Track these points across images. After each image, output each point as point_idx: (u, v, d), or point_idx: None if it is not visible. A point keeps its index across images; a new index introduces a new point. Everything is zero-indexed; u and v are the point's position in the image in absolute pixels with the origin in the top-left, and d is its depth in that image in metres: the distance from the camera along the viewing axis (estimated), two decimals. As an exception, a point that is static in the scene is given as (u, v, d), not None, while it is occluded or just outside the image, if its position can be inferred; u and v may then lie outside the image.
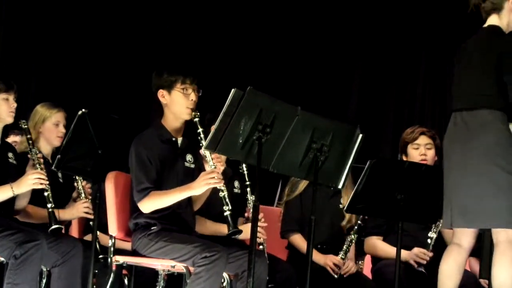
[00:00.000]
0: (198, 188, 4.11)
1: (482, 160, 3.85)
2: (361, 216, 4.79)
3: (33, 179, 4.36)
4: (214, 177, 4.06)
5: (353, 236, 4.82)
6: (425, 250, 4.72)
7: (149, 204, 4.15)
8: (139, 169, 4.17)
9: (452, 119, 4.04)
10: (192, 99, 4.25)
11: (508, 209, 3.83)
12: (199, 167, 4.36)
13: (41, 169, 4.42)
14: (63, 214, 4.75)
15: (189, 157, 4.36)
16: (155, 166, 4.19)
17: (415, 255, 4.71)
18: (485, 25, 4.06)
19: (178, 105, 4.26)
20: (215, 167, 4.10)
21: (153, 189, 4.15)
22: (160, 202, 4.15)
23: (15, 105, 4.57)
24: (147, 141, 4.24)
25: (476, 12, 4.11)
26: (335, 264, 4.77)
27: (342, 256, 4.79)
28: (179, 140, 4.35)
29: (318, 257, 4.81)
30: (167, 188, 4.20)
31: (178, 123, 4.33)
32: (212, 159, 4.11)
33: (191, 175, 4.31)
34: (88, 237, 4.90)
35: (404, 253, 4.65)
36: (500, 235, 3.87)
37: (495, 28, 4.01)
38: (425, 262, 4.70)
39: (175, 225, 4.21)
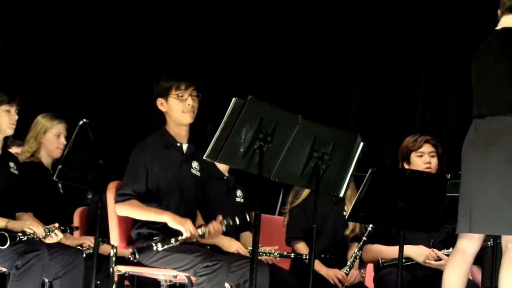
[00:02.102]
0: (174, 224, 4.11)
1: (502, 166, 3.81)
2: (367, 232, 4.76)
3: (29, 228, 4.37)
4: (191, 235, 4.08)
5: (358, 252, 4.80)
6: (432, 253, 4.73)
7: (125, 210, 4.20)
8: (129, 174, 4.21)
9: (473, 125, 3.99)
10: (189, 104, 4.26)
11: None
12: (205, 176, 4.38)
13: (47, 231, 4.42)
14: (65, 240, 4.73)
15: (195, 164, 4.36)
16: (154, 174, 4.19)
17: (426, 256, 4.71)
18: (499, 26, 4.02)
19: (175, 111, 4.29)
20: (202, 236, 4.13)
21: (135, 198, 4.17)
22: (135, 213, 4.19)
23: (16, 117, 4.57)
24: (149, 147, 4.25)
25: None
26: (338, 279, 4.76)
27: (346, 271, 4.77)
28: (184, 146, 4.35)
29: (323, 270, 4.79)
30: (168, 192, 4.21)
31: (181, 129, 4.34)
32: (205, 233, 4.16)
33: (197, 183, 4.33)
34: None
35: (413, 252, 4.68)
36: (510, 242, 3.84)
37: (510, 31, 3.99)
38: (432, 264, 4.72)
39: (177, 234, 4.21)
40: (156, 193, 4.22)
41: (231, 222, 4.23)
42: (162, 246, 4.04)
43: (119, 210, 4.21)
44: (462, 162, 4.03)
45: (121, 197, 4.19)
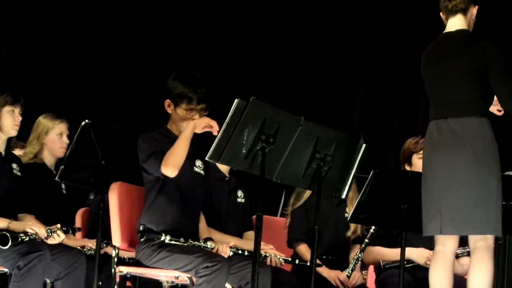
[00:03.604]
0: (198, 124, 4.07)
1: (471, 167, 3.87)
2: (369, 234, 4.76)
3: (31, 228, 4.37)
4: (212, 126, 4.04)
5: (360, 254, 4.80)
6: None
7: (166, 161, 4.05)
8: (145, 145, 4.13)
9: (433, 127, 4.04)
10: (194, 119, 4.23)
11: (497, 216, 3.87)
12: (209, 176, 4.40)
13: (49, 231, 4.42)
14: (67, 241, 4.74)
15: (198, 163, 4.34)
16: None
17: (427, 258, 4.70)
18: (452, 29, 4.07)
19: (180, 121, 4.25)
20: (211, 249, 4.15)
21: (160, 153, 4.08)
22: (174, 154, 4.05)
23: (20, 118, 4.56)
24: (155, 136, 4.23)
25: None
26: (340, 280, 4.76)
27: (348, 273, 4.77)
28: None
29: (325, 271, 4.79)
30: (172, 189, 4.19)
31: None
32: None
33: (199, 182, 4.32)
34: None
35: (414, 254, 4.68)
36: (478, 241, 3.91)
37: (469, 33, 4.05)
38: None
39: (180, 236, 4.21)
40: (159, 190, 4.21)
41: (240, 251, 4.28)
42: (170, 240, 4.06)
43: (164, 169, 4.04)
44: (424, 163, 4.07)
45: (153, 161, 4.07)
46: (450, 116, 3.97)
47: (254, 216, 4.02)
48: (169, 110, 4.28)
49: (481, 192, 3.86)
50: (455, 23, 4.07)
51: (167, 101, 4.26)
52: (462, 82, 3.97)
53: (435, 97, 4.07)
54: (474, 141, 3.89)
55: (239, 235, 4.68)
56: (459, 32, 4.05)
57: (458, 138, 3.91)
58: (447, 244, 4.02)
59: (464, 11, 4.06)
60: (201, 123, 4.09)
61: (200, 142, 4.36)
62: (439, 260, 4.03)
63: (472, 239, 3.95)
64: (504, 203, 4.00)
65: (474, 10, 4.09)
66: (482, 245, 3.89)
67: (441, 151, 3.96)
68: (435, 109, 4.06)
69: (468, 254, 4.69)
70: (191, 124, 4.10)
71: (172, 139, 4.24)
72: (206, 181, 4.41)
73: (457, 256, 4.70)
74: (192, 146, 4.32)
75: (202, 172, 4.35)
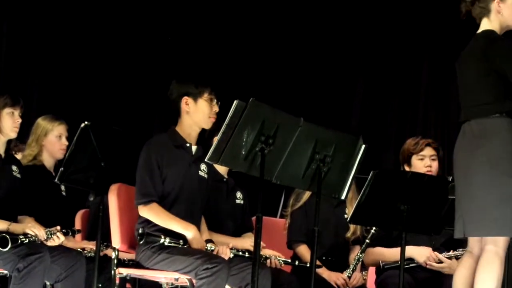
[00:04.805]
0: (193, 243, 4.15)
1: (487, 168, 3.84)
2: (370, 235, 4.76)
3: (30, 230, 4.37)
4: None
5: (360, 255, 4.80)
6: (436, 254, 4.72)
7: (147, 214, 4.19)
8: (146, 173, 4.19)
9: (461, 131, 4.03)
10: (215, 110, 4.31)
11: None
12: (212, 178, 4.42)
13: (49, 233, 4.43)
14: (67, 242, 4.73)
15: (203, 166, 4.37)
16: (163, 173, 4.20)
17: (427, 257, 4.70)
18: (479, 30, 4.06)
19: (202, 113, 4.30)
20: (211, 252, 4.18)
21: (157, 201, 4.17)
22: (158, 219, 4.18)
23: (19, 120, 4.57)
24: (158, 145, 4.26)
25: (468, 19, 4.12)
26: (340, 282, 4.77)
27: (349, 274, 4.77)
28: (193, 147, 4.36)
29: (325, 273, 4.79)
30: (177, 193, 4.21)
31: (194, 131, 4.35)
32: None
33: (204, 185, 4.35)
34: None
35: (415, 252, 4.68)
36: (489, 244, 3.89)
37: (489, 33, 4.01)
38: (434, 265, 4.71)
39: (179, 238, 4.21)
40: (165, 193, 4.23)
41: (240, 253, 4.30)
42: (170, 242, 4.08)
43: (141, 212, 4.21)
44: (453, 167, 4.07)
45: (143, 199, 4.18)
46: (473, 117, 3.95)
47: (254, 217, 4.02)
48: (187, 108, 4.31)
49: (496, 193, 3.82)
50: (482, 25, 4.05)
51: (185, 98, 4.30)
52: (482, 82, 3.94)
53: (462, 99, 4.06)
54: (493, 141, 3.86)
55: (238, 236, 4.68)
56: (482, 33, 4.03)
57: (477, 140, 3.89)
58: (473, 246, 4.01)
59: (486, 14, 4.02)
60: (194, 244, 4.17)
61: (205, 146, 4.37)
62: (463, 262, 4.03)
63: (483, 241, 3.93)
64: None
65: (495, 5, 4.00)
66: (491, 249, 3.86)
67: (460, 155, 3.96)
68: (462, 111, 4.05)
69: None
70: (189, 233, 4.17)
71: (179, 144, 4.28)
72: (209, 184, 4.43)
73: (457, 258, 4.71)
74: (198, 150, 4.35)
75: (205, 176, 4.38)
